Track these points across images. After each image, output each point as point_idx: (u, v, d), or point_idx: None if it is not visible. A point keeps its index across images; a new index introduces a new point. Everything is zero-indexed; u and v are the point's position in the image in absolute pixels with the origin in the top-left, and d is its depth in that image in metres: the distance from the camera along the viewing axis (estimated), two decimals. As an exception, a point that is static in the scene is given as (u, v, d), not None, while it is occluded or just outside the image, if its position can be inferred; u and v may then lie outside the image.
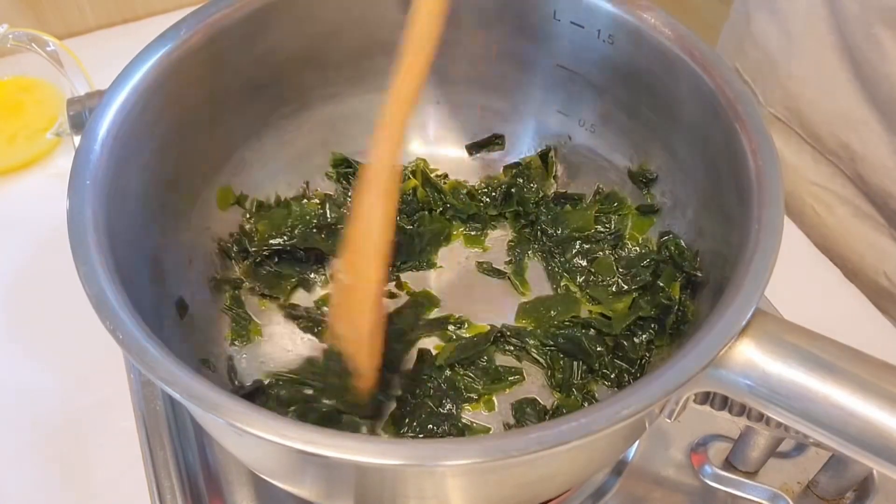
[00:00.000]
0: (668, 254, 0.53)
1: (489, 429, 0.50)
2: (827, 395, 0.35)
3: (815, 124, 0.69)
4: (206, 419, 0.39)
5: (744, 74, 0.76)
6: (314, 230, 0.58)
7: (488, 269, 0.58)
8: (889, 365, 0.35)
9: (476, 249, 0.60)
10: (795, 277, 0.56)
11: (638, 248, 0.56)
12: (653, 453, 0.52)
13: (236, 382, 0.52)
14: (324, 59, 0.57)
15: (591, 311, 0.55)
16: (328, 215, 0.59)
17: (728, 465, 0.51)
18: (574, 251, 0.58)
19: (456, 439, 0.45)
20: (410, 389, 0.51)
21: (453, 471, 0.35)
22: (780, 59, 0.70)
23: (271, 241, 0.56)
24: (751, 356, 0.36)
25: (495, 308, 0.56)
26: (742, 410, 0.40)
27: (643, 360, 0.51)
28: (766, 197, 0.41)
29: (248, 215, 0.57)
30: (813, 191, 0.72)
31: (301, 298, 0.57)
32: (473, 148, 0.64)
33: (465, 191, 0.61)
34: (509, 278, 0.57)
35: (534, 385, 0.52)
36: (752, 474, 0.51)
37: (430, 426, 0.49)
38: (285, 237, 0.57)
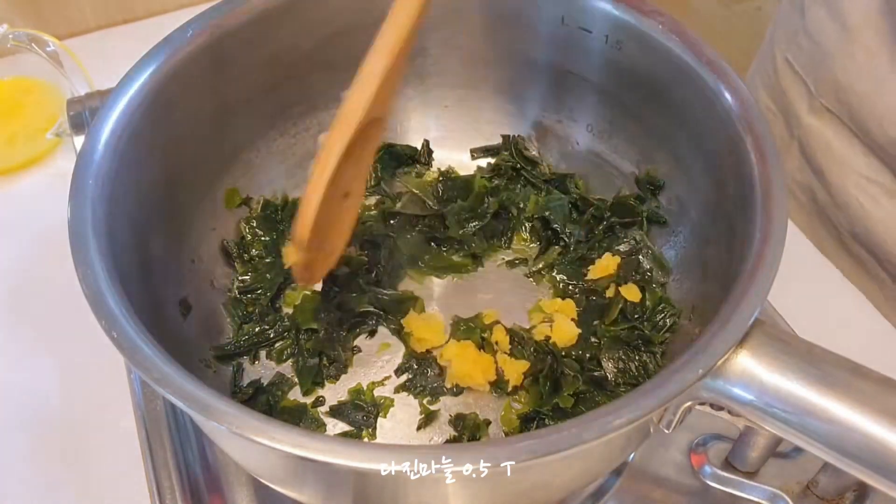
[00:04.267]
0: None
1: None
2: (825, 408, 0.35)
3: (865, 118, 0.68)
4: (201, 420, 0.39)
5: (795, 66, 0.75)
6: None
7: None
8: (888, 379, 0.35)
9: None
10: (795, 277, 0.56)
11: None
12: (653, 453, 0.52)
13: (240, 384, 0.52)
14: (331, 61, 0.57)
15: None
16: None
17: (728, 465, 0.51)
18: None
19: (452, 446, 0.45)
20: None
21: (447, 477, 0.35)
22: (833, 52, 0.69)
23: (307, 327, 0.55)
24: (749, 367, 0.36)
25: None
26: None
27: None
28: (769, 207, 0.41)
29: (247, 225, 0.57)
30: (860, 183, 0.71)
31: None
32: (478, 152, 0.64)
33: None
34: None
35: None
36: (751, 474, 0.50)
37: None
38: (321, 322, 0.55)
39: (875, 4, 0.65)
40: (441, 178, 0.61)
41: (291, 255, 0.46)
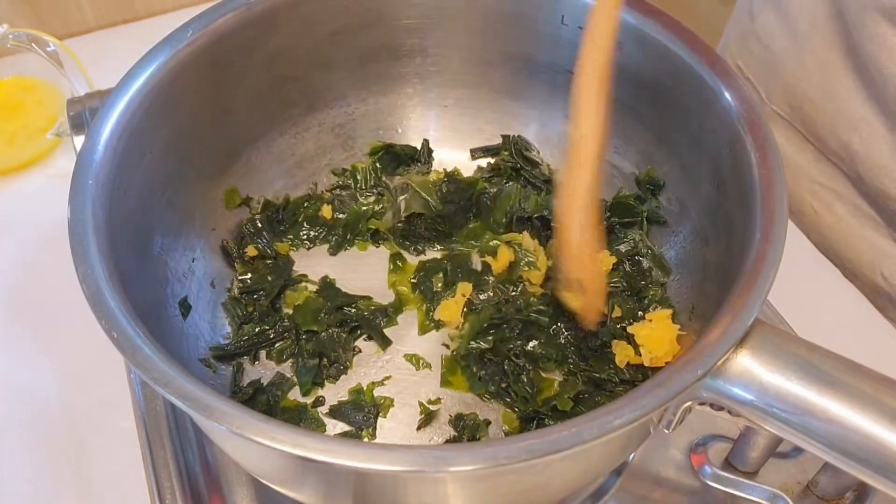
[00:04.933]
0: None
1: None
2: (825, 408, 0.35)
3: (816, 123, 0.69)
4: (201, 421, 0.39)
5: (746, 72, 0.76)
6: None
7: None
8: (888, 378, 0.35)
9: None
10: (795, 277, 0.56)
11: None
12: (653, 453, 0.52)
13: (240, 384, 0.52)
14: (331, 62, 0.58)
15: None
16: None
17: (728, 465, 0.51)
18: None
19: (452, 446, 0.45)
20: None
21: (447, 477, 0.35)
22: (784, 57, 0.70)
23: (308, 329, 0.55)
24: (749, 367, 0.36)
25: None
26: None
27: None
28: (769, 206, 0.41)
29: (249, 224, 0.58)
30: (813, 189, 0.72)
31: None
32: (478, 152, 0.64)
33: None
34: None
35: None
36: (751, 474, 0.51)
37: None
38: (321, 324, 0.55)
39: (823, 10, 0.65)
40: (446, 179, 0.61)
41: (575, 301, 0.48)
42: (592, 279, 0.47)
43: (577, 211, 0.44)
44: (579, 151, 0.44)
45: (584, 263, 0.46)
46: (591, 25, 0.44)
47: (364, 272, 0.58)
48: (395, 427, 0.51)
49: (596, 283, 0.48)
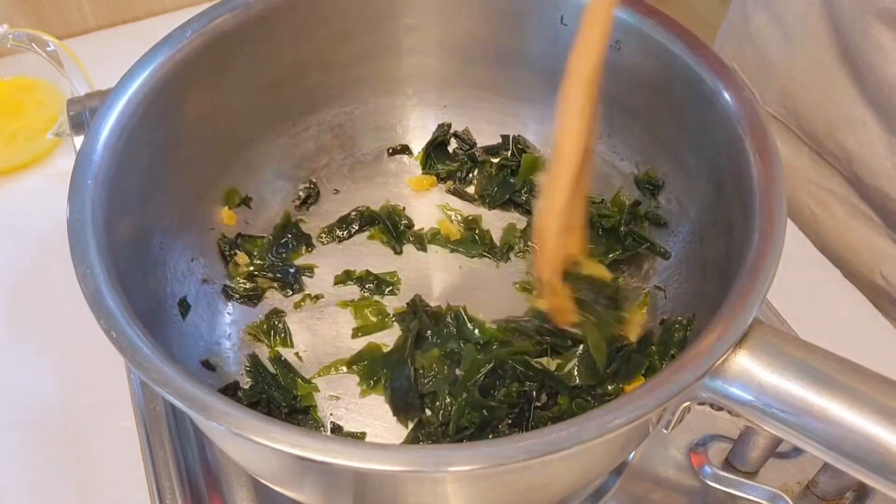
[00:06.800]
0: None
1: None
2: (823, 408, 0.35)
3: (812, 125, 0.69)
4: (201, 421, 0.39)
5: (741, 74, 0.76)
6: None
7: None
8: (887, 379, 0.35)
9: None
10: (795, 277, 0.56)
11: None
12: (652, 453, 0.52)
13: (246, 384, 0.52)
14: (330, 61, 0.58)
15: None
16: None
17: (728, 465, 0.51)
18: None
19: (452, 446, 0.45)
20: None
21: (446, 477, 0.35)
22: (778, 59, 0.70)
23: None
24: (747, 367, 0.36)
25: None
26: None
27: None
28: (768, 206, 0.41)
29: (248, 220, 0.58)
30: (810, 190, 0.72)
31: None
32: (478, 152, 0.64)
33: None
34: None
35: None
36: (751, 474, 0.50)
37: None
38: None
39: (815, 12, 0.65)
40: None
41: (546, 303, 0.46)
42: (560, 286, 0.46)
43: (555, 214, 0.44)
44: (562, 154, 0.43)
45: (557, 267, 0.45)
46: (584, 25, 0.44)
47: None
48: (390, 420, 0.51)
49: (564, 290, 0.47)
